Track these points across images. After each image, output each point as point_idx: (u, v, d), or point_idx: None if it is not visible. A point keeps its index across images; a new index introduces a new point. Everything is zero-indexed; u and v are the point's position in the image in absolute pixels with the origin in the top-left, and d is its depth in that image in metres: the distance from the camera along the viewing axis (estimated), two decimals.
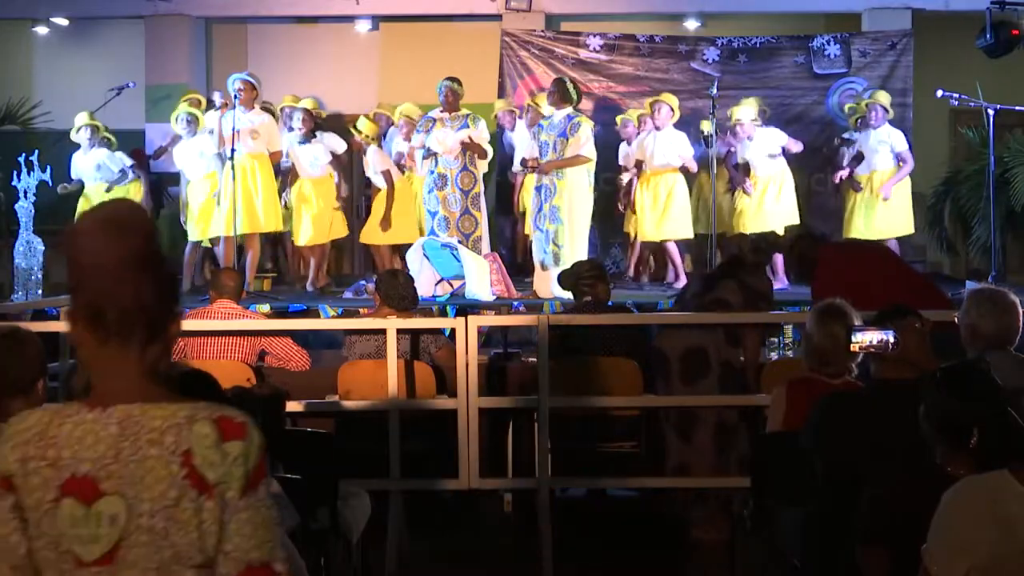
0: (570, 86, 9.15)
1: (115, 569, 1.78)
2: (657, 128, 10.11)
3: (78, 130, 10.28)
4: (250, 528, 1.81)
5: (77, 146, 10.42)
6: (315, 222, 10.04)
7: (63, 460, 1.79)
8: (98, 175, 10.38)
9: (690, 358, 6.05)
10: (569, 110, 9.01)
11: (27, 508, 1.79)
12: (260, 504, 1.83)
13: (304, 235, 10.07)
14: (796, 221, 10.09)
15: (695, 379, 6.05)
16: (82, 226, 1.90)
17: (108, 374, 1.86)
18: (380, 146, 10.29)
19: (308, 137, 10.14)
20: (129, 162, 10.53)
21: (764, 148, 10.04)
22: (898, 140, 10.11)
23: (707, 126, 10.52)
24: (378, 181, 10.08)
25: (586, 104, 11.68)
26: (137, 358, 1.86)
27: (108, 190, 10.30)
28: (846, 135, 10.60)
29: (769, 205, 10.00)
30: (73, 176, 10.34)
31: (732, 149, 10.30)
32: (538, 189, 9.08)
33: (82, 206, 10.30)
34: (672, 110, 10.12)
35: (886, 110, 10.16)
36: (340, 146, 10.39)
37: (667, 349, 6.13)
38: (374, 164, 10.06)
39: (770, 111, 10.87)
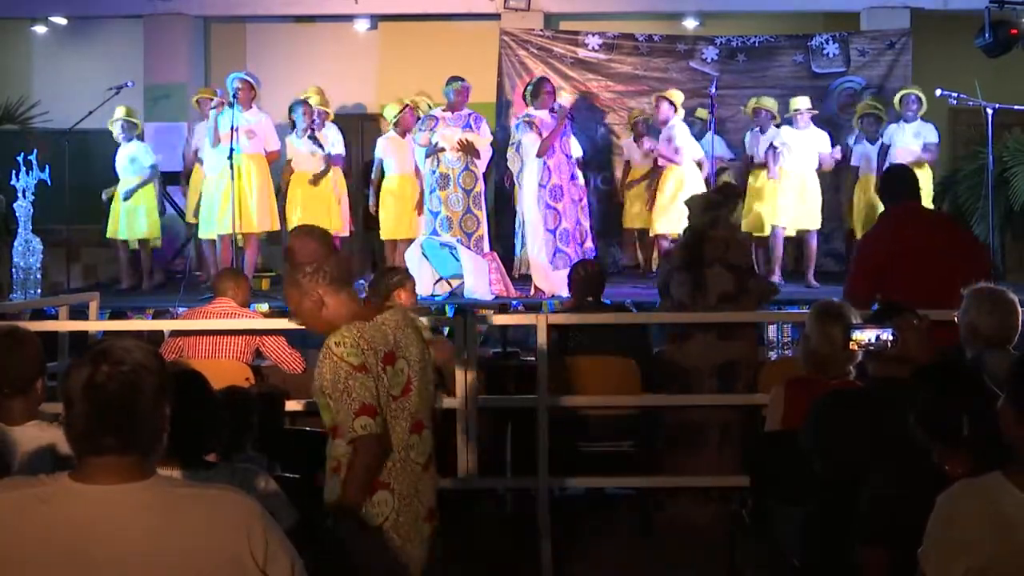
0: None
1: (408, 397, 3.31)
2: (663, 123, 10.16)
3: (113, 123, 10.36)
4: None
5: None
6: (311, 217, 9.99)
7: (378, 347, 3.25)
8: (132, 168, 10.45)
9: (724, 373, 6.03)
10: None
11: (375, 374, 3.21)
12: None
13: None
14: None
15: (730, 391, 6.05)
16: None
17: (340, 307, 3.31)
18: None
19: (305, 132, 10.11)
20: (152, 159, 10.57)
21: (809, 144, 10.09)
22: (930, 133, 10.00)
23: (703, 112, 10.63)
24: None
25: (585, 103, 11.73)
26: (349, 297, 3.35)
27: (127, 197, 10.37)
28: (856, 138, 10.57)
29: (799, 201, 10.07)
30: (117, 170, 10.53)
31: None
32: (543, 186, 9.03)
33: (114, 203, 10.40)
34: (673, 105, 10.11)
35: (921, 103, 10.06)
36: (335, 147, 10.31)
37: (693, 366, 6.07)
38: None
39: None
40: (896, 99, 10.31)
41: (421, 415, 3.37)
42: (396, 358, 3.28)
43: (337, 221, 10.10)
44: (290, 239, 3.36)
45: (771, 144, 10.01)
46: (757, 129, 10.38)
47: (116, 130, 10.47)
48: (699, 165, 10.22)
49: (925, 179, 9.83)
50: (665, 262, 6.49)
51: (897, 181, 6.20)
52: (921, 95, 10.09)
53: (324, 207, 10.05)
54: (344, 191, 10.39)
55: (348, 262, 3.44)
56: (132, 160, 10.50)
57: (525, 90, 9.57)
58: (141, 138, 10.76)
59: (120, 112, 10.48)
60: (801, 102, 10.13)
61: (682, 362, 6.13)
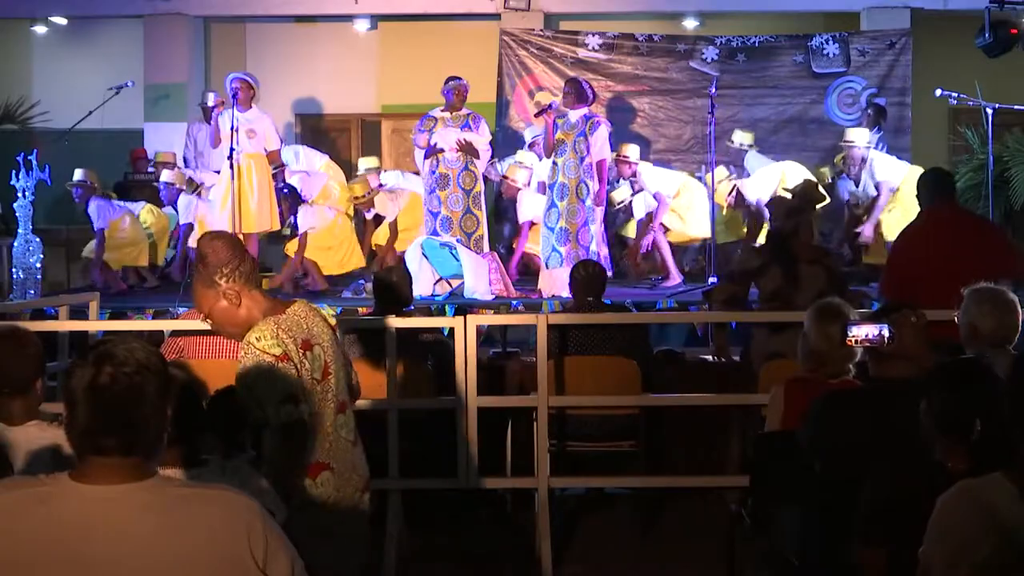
0: (585, 86, 9.20)
1: (328, 380, 3.49)
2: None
3: (71, 185, 10.21)
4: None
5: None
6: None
7: (296, 335, 3.41)
8: (100, 221, 10.31)
9: None
10: (585, 110, 9.02)
11: (296, 361, 3.37)
12: None
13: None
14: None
15: None
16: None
17: (255, 305, 3.46)
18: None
19: None
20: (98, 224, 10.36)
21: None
22: (879, 169, 9.83)
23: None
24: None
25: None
26: (261, 295, 3.51)
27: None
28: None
29: None
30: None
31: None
32: (551, 187, 9.05)
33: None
34: (628, 161, 10.06)
35: (857, 148, 9.86)
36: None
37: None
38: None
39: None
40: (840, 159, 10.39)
41: (342, 396, 3.58)
42: (312, 344, 3.45)
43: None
44: (201, 244, 3.50)
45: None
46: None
47: (73, 192, 10.18)
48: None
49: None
50: (753, 254, 6.60)
51: (928, 184, 6.32)
52: (856, 142, 9.90)
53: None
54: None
55: (256, 263, 3.60)
56: (99, 214, 10.34)
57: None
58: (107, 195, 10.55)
59: (77, 175, 10.16)
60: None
61: (780, 350, 6.09)
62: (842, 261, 6.72)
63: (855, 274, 10.11)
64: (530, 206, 9.97)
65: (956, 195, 6.42)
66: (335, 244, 10.08)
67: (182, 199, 10.17)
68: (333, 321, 3.65)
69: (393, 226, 10.26)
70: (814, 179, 9.91)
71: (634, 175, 10.10)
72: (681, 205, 10.08)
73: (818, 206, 9.66)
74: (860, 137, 9.99)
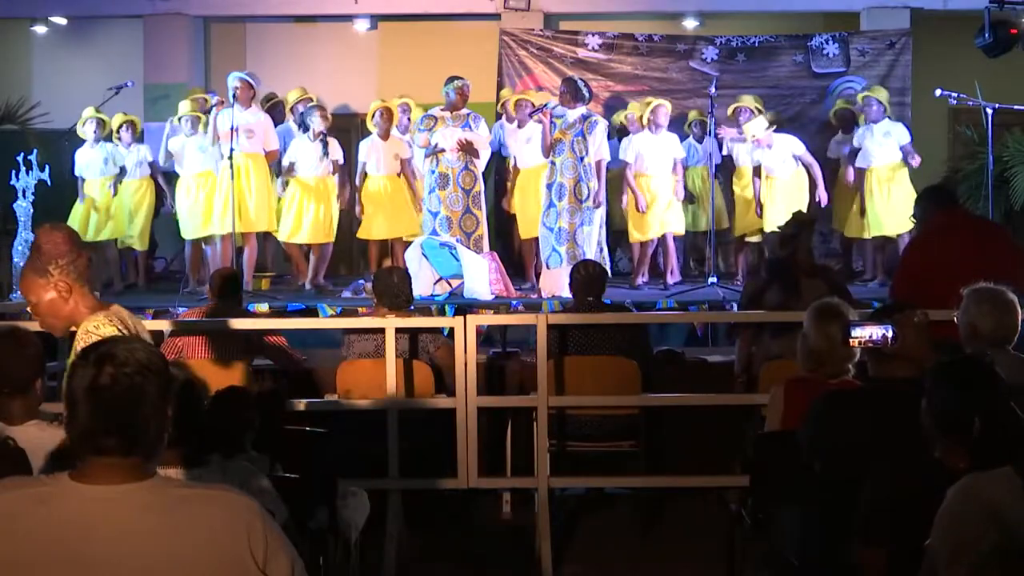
0: (581, 84, 9.19)
1: None
2: (654, 128, 10.10)
3: (84, 123, 10.34)
4: None
5: (76, 145, 10.44)
6: (315, 221, 9.98)
7: (128, 326, 3.45)
8: (104, 169, 10.41)
9: None
10: (583, 109, 9.03)
11: None
12: None
13: (300, 233, 9.99)
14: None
15: None
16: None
17: (82, 301, 3.48)
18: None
19: (318, 136, 10.01)
20: (151, 157, 10.51)
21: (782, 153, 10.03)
22: (902, 134, 10.05)
23: (694, 115, 10.64)
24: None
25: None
26: (89, 292, 3.56)
27: (118, 181, 10.41)
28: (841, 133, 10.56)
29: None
30: (77, 172, 10.45)
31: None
32: (549, 187, 9.05)
33: (82, 201, 10.36)
34: (667, 113, 10.12)
35: (882, 104, 10.10)
36: (338, 153, 10.26)
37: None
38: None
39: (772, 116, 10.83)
40: (859, 99, 10.43)
41: None
42: (140, 337, 3.49)
43: (332, 226, 10.15)
44: (40, 233, 3.57)
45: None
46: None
47: (89, 130, 10.36)
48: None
49: (902, 179, 9.88)
50: (755, 280, 6.82)
51: (925, 199, 6.56)
52: (880, 98, 10.08)
53: (326, 211, 10.04)
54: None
55: (90, 262, 3.66)
56: (105, 161, 10.43)
57: None
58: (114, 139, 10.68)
59: (89, 111, 10.38)
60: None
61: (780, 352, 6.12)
62: (841, 273, 6.83)
63: (833, 252, 10.24)
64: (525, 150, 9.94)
65: (958, 202, 6.65)
66: (313, 207, 9.94)
67: None
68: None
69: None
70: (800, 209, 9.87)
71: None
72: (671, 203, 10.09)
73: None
74: (883, 95, 10.18)
